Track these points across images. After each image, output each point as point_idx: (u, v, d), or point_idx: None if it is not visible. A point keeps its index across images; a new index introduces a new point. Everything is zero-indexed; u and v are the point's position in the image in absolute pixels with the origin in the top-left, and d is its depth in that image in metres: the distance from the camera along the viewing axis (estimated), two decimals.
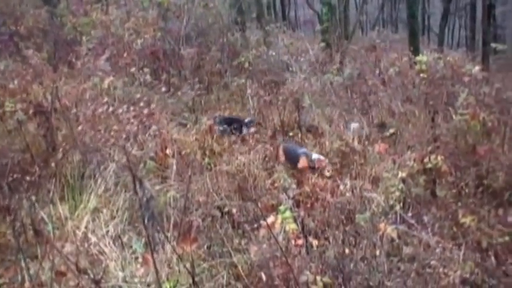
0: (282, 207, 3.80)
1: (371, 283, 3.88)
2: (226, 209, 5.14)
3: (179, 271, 3.92)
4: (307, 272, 3.73)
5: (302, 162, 6.37)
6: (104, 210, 4.71)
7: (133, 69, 8.91)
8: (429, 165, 5.35)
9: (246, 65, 10.36)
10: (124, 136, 5.64)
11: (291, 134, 7.61)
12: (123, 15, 11.08)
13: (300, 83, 9.28)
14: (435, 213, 5.01)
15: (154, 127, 6.28)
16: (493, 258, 4.24)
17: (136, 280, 3.83)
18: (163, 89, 8.57)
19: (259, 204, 5.15)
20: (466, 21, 31.93)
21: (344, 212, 5.01)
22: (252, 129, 7.63)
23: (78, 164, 5.39)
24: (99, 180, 5.13)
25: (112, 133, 5.55)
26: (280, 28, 13.93)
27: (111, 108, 5.97)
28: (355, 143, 7.09)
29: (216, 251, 4.42)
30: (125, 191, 5.02)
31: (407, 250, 4.40)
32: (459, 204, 5.17)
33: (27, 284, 3.64)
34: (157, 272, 3.53)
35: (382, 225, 4.36)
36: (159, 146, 6.17)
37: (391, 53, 11.95)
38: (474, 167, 5.69)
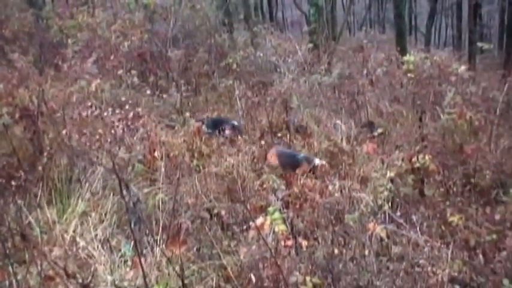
0: (271, 209, 3.80)
1: (360, 283, 3.89)
2: (215, 211, 5.12)
3: (168, 274, 3.90)
4: (297, 273, 3.74)
5: (303, 168, 6.21)
6: (92, 214, 4.68)
7: (120, 72, 8.87)
8: (417, 165, 5.39)
9: (234, 66, 10.37)
10: (110, 139, 5.60)
11: (279, 134, 7.60)
12: (110, 18, 11.05)
13: (288, 84, 9.30)
14: (423, 212, 5.04)
15: (142, 129, 6.26)
16: (481, 256, 4.26)
17: (125, 284, 3.81)
18: (151, 91, 8.54)
19: (248, 206, 5.14)
20: (453, 21, 32.21)
21: (333, 213, 5.01)
22: (227, 132, 7.54)
23: (66, 167, 5.35)
24: (87, 184, 5.09)
25: (98, 136, 5.52)
26: (267, 29, 13.95)
27: (98, 111, 5.94)
28: (344, 143, 7.10)
29: (206, 253, 4.41)
30: (113, 194, 4.99)
31: (396, 249, 4.43)
32: (447, 203, 5.21)
33: None
34: (146, 275, 3.52)
35: (371, 225, 4.38)
36: (147, 148, 6.15)
37: (379, 53, 12.00)
38: (462, 166, 5.74)
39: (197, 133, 7.28)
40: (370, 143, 7.20)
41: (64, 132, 5.46)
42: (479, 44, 12.08)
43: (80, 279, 3.48)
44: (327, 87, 9.81)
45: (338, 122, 8.02)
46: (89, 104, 6.24)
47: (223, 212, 5.09)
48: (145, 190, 5.28)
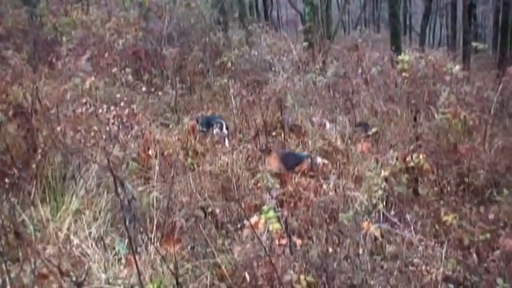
0: (265, 207, 3.81)
1: (354, 282, 3.89)
2: (209, 210, 5.11)
3: (163, 272, 3.89)
4: (291, 272, 3.73)
5: (302, 166, 6.20)
6: (86, 212, 4.66)
7: (115, 70, 8.85)
8: (411, 164, 5.40)
9: (229, 64, 10.36)
10: (105, 137, 5.58)
11: (273, 133, 7.59)
12: (104, 15, 11.03)
13: (283, 83, 9.31)
14: (417, 211, 5.05)
15: (136, 127, 6.24)
16: (474, 255, 4.28)
17: (119, 282, 3.79)
18: (145, 89, 8.51)
19: (242, 205, 5.13)
20: (447, 21, 32.30)
21: (327, 211, 5.01)
22: (216, 130, 7.50)
23: (60, 165, 5.32)
24: (81, 182, 5.07)
25: (93, 134, 5.50)
26: (262, 28, 13.96)
27: (92, 109, 5.91)
28: (338, 142, 7.10)
29: (200, 251, 4.40)
30: (107, 192, 4.97)
31: (390, 248, 4.43)
32: (441, 202, 5.23)
33: (8, 287, 3.59)
34: (140, 273, 3.51)
35: (365, 224, 4.40)
36: (141, 146, 6.14)
37: (373, 52, 12.02)
38: (456, 165, 5.76)
39: (191, 131, 7.27)
40: (364, 142, 7.21)
41: (58, 129, 5.43)
42: (473, 44, 12.12)
43: (74, 277, 3.47)
44: (322, 86, 9.81)
45: (326, 121, 8.02)
46: (83, 101, 6.22)
47: (217, 211, 5.09)
48: (140, 188, 5.27)
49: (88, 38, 9.91)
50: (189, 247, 4.46)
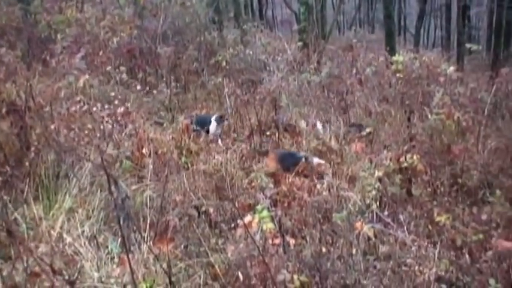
0: (259, 207, 3.81)
1: (347, 281, 3.89)
2: (203, 209, 5.10)
3: (156, 271, 3.88)
4: (284, 271, 3.73)
5: (299, 167, 6.11)
6: (79, 210, 4.65)
7: (109, 68, 8.84)
8: (405, 164, 5.40)
9: (223, 64, 10.36)
10: (99, 135, 5.57)
11: (268, 133, 7.59)
12: (99, 13, 11.00)
13: (277, 83, 9.29)
14: (411, 211, 5.05)
15: (130, 126, 6.23)
16: (467, 256, 4.29)
17: (112, 280, 3.79)
18: (140, 88, 8.49)
19: (236, 204, 5.13)
20: (442, 22, 32.43)
21: (321, 211, 5.02)
22: (213, 128, 7.52)
23: (53, 163, 5.30)
24: (74, 180, 5.06)
25: (87, 132, 5.48)
26: (257, 27, 13.96)
27: (86, 107, 5.90)
28: (332, 142, 7.11)
29: (193, 250, 4.39)
30: (101, 191, 4.96)
31: (383, 248, 4.43)
32: (434, 202, 5.23)
33: (0, 285, 3.57)
34: (133, 272, 3.50)
35: (358, 224, 4.40)
36: (135, 145, 6.12)
37: (368, 52, 12.03)
38: (449, 166, 5.77)
39: (186, 130, 7.27)
40: (358, 142, 7.22)
41: (52, 127, 5.42)
42: (467, 45, 12.14)
43: (66, 275, 3.45)
44: (316, 86, 9.81)
45: (317, 121, 8.02)
46: (77, 99, 6.20)
47: (211, 210, 5.08)
48: (133, 187, 5.26)
49: (82, 36, 9.88)
50: (182, 246, 4.45)
